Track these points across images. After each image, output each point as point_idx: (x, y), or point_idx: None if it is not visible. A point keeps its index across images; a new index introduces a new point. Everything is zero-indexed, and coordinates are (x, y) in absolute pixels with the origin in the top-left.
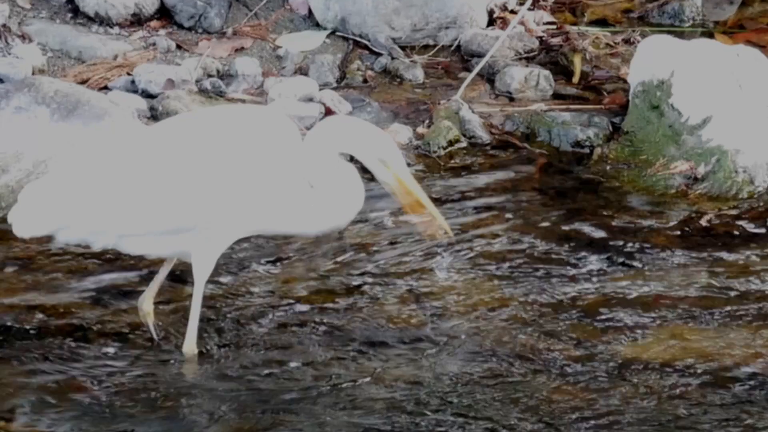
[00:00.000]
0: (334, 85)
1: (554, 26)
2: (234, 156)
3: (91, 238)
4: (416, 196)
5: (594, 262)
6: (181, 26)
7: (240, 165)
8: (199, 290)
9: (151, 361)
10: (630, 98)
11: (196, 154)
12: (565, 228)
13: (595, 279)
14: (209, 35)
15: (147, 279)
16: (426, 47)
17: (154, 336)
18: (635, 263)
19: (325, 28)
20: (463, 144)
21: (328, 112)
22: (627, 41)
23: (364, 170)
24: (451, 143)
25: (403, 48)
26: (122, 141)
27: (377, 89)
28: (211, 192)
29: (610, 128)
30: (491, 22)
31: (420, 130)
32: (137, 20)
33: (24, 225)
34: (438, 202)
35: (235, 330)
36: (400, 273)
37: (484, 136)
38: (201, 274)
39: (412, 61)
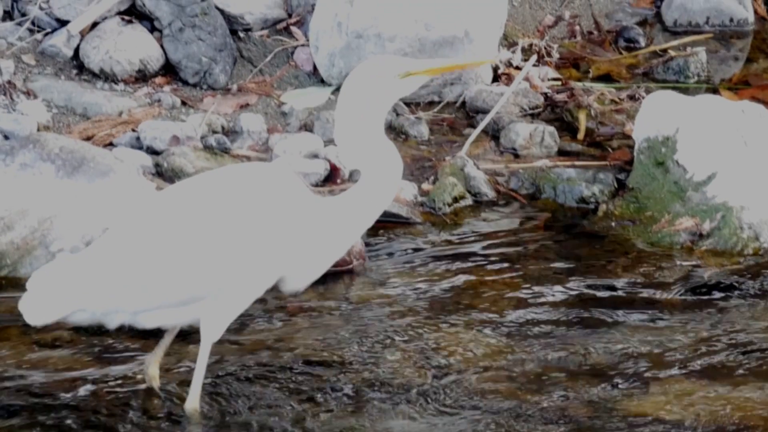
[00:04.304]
0: None
1: (559, 82)
2: (243, 220)
3: (106, 318)
4: (446, 68)
5: (598, 317)
6: (186, 83)
7: (250, 228)
8: (205, 351)
9: (154, 416)
10: (635, 154)
11: (206, 222)
12: (570, 284)
13: (599, 334)
14: (214, 91)
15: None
16: (431, 103)
17: (158, 392)
18: (640, 319)
19: (330, 85)
20: (468, 200)
21: (333, 168)
22: (632, 97)
23: None
24: (456, 200)
25: (407, 104)
26: (129, 217)
27: None
28: (226, 257)
29: (615, 184)
30: (496, 79)
31: (425, 186)
32: (142, 77)
33: (36, 313)
34: (443, 258)
35: (239, 388)
36: (403, 328)
37: (489, 193)
38: (210, 338)
39: (417, 117)
